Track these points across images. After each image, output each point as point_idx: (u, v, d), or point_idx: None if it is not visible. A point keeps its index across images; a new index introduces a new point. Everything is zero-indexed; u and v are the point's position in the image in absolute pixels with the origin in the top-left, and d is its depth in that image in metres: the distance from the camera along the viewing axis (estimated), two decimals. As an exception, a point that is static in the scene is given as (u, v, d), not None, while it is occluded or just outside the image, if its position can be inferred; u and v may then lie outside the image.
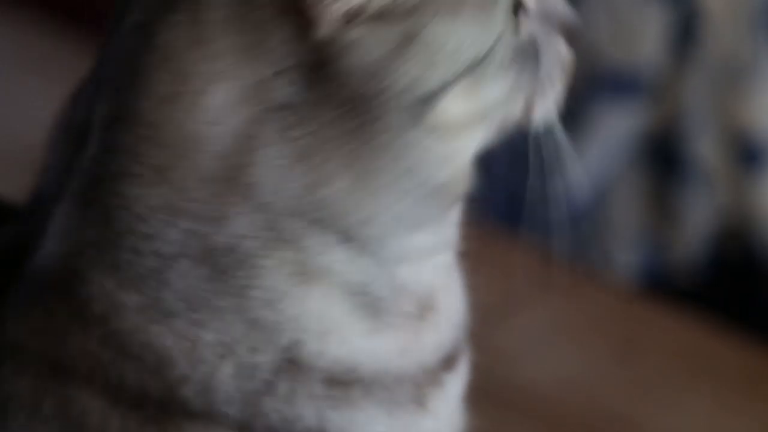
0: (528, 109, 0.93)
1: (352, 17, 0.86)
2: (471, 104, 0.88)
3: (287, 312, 0.92)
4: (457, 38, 0.86)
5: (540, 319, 1.44)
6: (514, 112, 0.92)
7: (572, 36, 0.93)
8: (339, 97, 0.87)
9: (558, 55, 0.94)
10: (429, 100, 0.87)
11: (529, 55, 0.90)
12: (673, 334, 1.51)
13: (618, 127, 1.83)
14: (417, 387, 0.96)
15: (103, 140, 0.91)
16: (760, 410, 1.40)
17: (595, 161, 1.84)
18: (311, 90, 0.88)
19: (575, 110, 1.85)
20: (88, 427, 0.96)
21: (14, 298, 0.97)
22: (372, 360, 0.94)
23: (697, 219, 1.80)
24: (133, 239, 0.91)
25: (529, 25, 0.89)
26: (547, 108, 0.94)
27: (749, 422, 1.38)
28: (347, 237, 0.91)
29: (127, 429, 0.94)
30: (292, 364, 0.93)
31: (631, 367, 1.46)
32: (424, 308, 0.97)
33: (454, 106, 0.88)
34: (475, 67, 0.87)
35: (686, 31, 1.79)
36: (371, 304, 0.94)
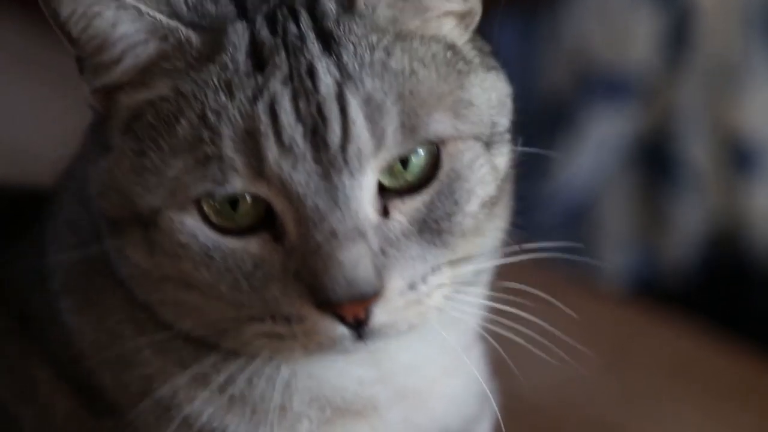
0: None
1: None
2: None
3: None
4: None
5: (530, 327, 1.44)
6: None
7: None
8: None
9: None
10: None
11: None
12: (664, 343, 1.50)
13: (610, 130, 1.82)
14: None
15: None
16: (750, 419, 1.40)
17: (587, 164, 1.83)
18: None
19: (567, 113, 1.85)
20: (42, 400, 0.98)
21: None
22: None
23: (688, 222, 1.80)
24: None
25: None
26: None
27: (738, 428, 1.38)
28: None
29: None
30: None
31: (622, 376, 1.45)
32: (336, 413, 0.95)
33: None
34: None
35: (678, 34, 1.78)
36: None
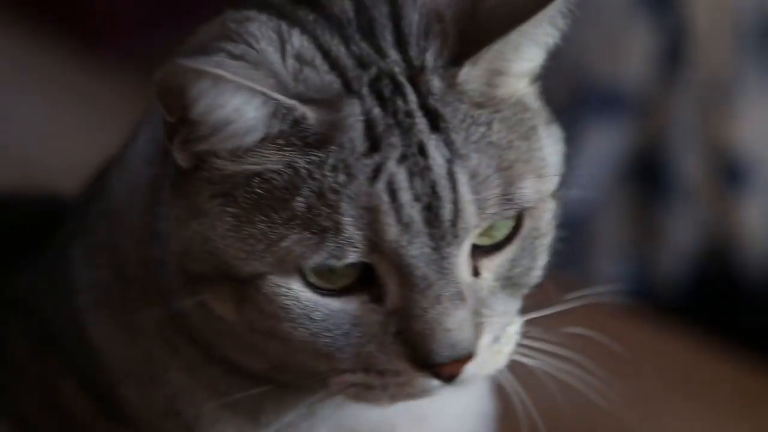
0: None
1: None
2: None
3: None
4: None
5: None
6: None
7: None
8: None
9: None
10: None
11: None
12: (664, 350, 1.52)
13: (604, 143, 1.83)
14: None
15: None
16: (751, 424, 1.41)
17: (581, 177, 1.84)
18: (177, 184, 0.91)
19: (562, 127, 1.85)
20: (64, 407, 0.99)
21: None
22: None
23: (681, 236, 1.81)
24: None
25: None
26: None
27: (740, 435, 1.40)
28: None
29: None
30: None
31: (624, 382, 1.46)
32: None
33: None
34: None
35: (673, 49, 1.80)
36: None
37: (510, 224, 0.90)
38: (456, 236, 0.87)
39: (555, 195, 0.93)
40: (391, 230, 0.86)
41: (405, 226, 0.86)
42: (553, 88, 1.93)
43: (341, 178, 0.86)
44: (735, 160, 1.77)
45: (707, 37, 1.77)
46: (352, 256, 0.86)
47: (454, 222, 0.87)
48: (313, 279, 0.88)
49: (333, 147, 0.87)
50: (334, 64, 0.89)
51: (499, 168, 0.88)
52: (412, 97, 0.88)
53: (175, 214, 0.91)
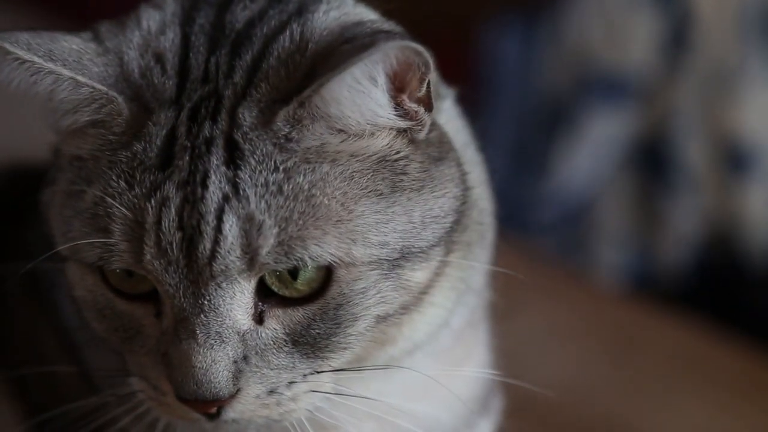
0: None
1: None
2: None
3: None
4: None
5: (535, 323, 1.45)
6: None
7: None
8: None
9: None
10: None
11: None
12: (667, 337, 1.52)
13: (608, 130, 1.84)
14: None
15: None
16: (753, 410, 1.43)
17: (585, 164, 1.84)
18: None
19: (566, 113, 1.86)
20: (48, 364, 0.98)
21: None
22: None
23: (684, 222, 1.82)
24: None
25: None
26: None
27: (742, 422, 1.41)
28: None
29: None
30: None
31: (626, 369, 1.47)
32: None
33: None
34: None
35: (677, 37, 1.80)
36: None
37: (314, 281, 0.85)
38: (213, 276, 0.83)
39: (398, 264, 0.86)
40: (149, 251, 0.84)
41: (162, 251, 0.84)
42: (558, 76, 1.95)
43: (122, 185, 0.85)
44: (738, 147, 1.78)
45: (711, 24, 1.77)
46: (120, 264, 0.85)
47: (210, 262, 0.83)
48: (111, 278, 0.87)
49: (128, 153, 0.85)
50: (182, 72, 0.87)
51: (283, 218, 0.83)
52: (222, 125, 0.85)
53: (49, 176, 0.91)
